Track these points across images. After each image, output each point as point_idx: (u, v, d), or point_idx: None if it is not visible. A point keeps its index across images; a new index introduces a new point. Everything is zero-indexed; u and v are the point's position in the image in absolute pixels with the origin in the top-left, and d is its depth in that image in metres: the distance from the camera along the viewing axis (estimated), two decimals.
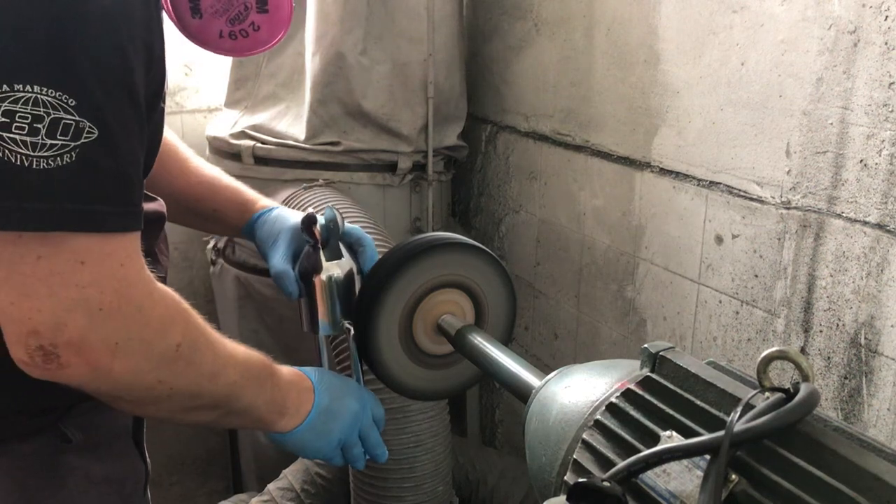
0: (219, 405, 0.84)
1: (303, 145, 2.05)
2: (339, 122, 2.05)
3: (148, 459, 1.07)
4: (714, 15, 1.45)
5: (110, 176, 0.69)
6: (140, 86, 0.72)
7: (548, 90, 1.98)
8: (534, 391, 0.78)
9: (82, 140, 0.67)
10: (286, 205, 1.96)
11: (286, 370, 0.94)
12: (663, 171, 1.63)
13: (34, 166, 0.65)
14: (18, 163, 0.64)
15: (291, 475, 1.94)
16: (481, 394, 2.48)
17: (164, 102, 0.85)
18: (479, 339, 0.95)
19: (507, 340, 1.07)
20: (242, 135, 2.12)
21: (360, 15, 1.96)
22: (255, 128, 2.12)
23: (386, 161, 2.10)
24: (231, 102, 2.23)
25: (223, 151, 2.16)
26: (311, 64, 2.03)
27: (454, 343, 0.99)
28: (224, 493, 2.43)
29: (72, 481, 0.90)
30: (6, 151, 0.64)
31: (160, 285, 0.76)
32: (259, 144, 2.08)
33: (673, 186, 1.60)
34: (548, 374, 0.79)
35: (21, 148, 0.64)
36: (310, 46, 2.03)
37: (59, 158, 0.66)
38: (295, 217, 1.12)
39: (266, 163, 2.09)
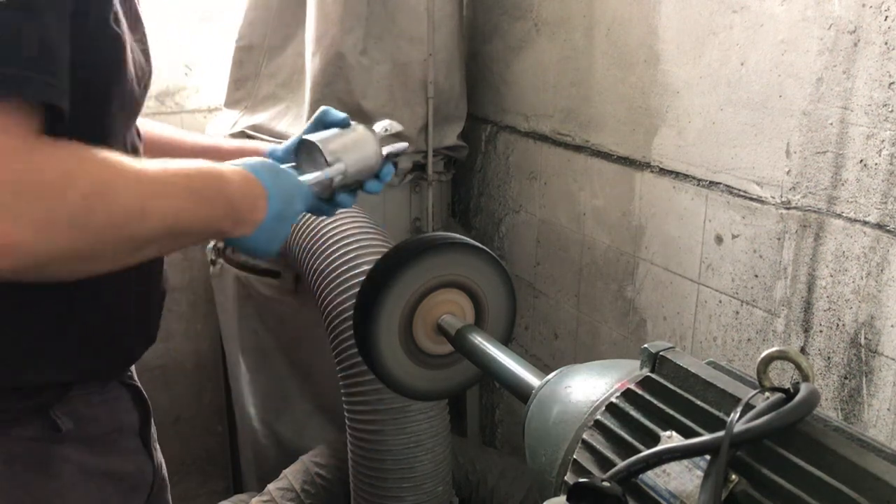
0: (159, 238, 0.77)
1: None
2: None
3: (158, 460, 1.06)
4: (714, 15, 1.45)
5: (30, 39, 0.64)
6: None
7: (548, 90, 1.98)
8: (534, 391, 0.78)
9: None
10: None
11: (235, 177, 0.87)
12: (663, 171, 1.63)
13: None
14: None
15: (291, 475, 1.94)
16: (481, 394, 2.48)
17: (122, 31, 0.81)
18: (479, 338, 0.95)
19: (507, 340, 1.07)
20: (242, 135, 2.12)
21: (360, 15, 1.96)
22: (254, 128, 2.12)
23: None
24: (231, 102, 2.23)
25: None
26: (311, 64, 2.03)
27: (454, 343, 0.99)
28: (224, 493, 2.43)
29: (65, 473, 0.90)
30: None
31: (54, 140, 0.69)
32: None
33: (673, 186, 1.60)
34: (548, 374, 0.79)
35: None
36: (310, 46, 2.03)
37: None
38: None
39: None
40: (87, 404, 0.92)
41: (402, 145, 1.12)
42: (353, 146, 1.05)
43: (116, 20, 0.80)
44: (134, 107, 0.90)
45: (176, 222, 0.78)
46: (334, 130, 1.08)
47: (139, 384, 1.05)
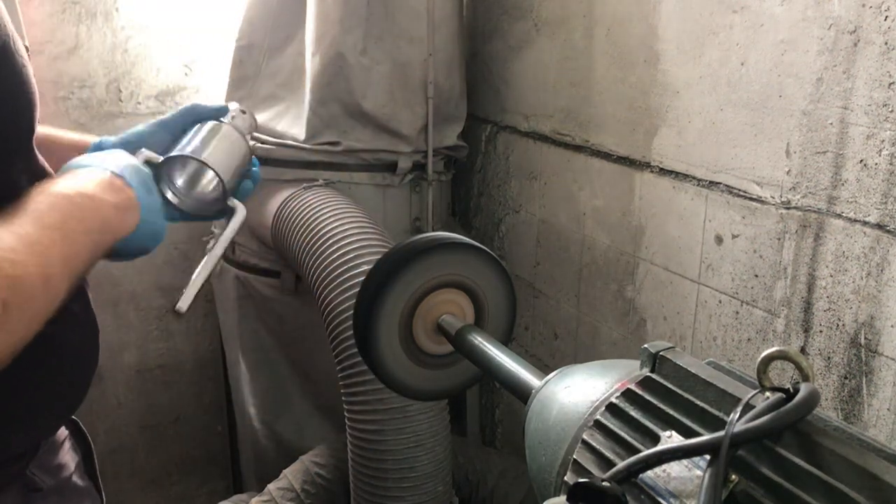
0: (63, 294, 0.73)
1: (303, 145, 2.05)
2: (339, 122, 2.05)
3: (102, 493, 1.03)
4: (714, 15, 1.45)
5: None
6: None
7: (548, 90, 1.98)
8: (534, 391, 0.78)
9: None
10: (286, 204, 1.96)
11: (99, 189, 0.79)
12: (663, 171, 1.63)
13: None
14: None
15: (291, 475, 1.94)
16: (481, 394, 2.48)
17: (24, 56, 0.78)
18: (479, 338, 0.95)
19: (507, 340, 1.07)
20: None
21: (360, 15, 1.96)
22: None
23: (386, 161, 2.10)
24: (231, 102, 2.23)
25: None
26: (311, 64, 2.03)
27: (454, 343, 0.99)
28: (224, 493, 2.43)
29: None
30: None
31: None
32: (259, 144, 2.09)
33: (673, 186, 1.60)
34: (548, 374, 0.79)
35: None
36: (310, 46, 2.03)
37: None
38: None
39: (266, 163, 2.09)
40: (53, 454, 0.89)
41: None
42: (228, 150, 0.95)
43: (16, 47, 0.77)
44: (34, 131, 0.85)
45: (75, 270, 0.74)
46: (198, 136, 0.95)
47: (76, 417, 1.00)
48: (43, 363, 0.82)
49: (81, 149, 1.03)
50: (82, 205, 0.76)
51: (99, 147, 1.01)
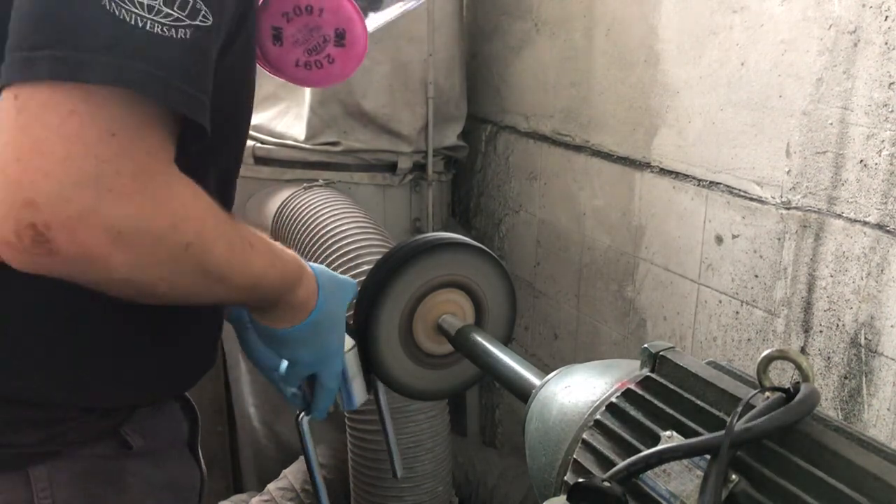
0: (222, 300, 0.84)
1: (303, 145, 2.05)
2: (339, 122, 2.05)
3: (203, 467, 1.06)
4: (714, 15, 1.45)
5: (208, 68, 0.66)
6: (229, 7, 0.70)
7: (548, 90, 1.98)
8: (534, 391, 0.78)
9: (197, 22, 0.64)
10: (286, 204, 1.96)
11: (304, 285, 0.89)
12: (663, 171, 1.63)
13: (147, 28, 0.61)
14: (132, 22, 0.60)
15: (291, 475, 1.94)
16: (481, 394, 2.49)
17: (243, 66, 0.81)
18: (479, 338, 0.95)
19: (507, 340, 1.07)
20: None
21: None
22: (254, 128, 2.12)
23: (386, 161, 2.10)
24: None
25: None
26: None
27: (454, 343, 0.99)
28: (224, 493, 2.43)
29: (134, 487, 0.89)
30: (122, 10, 0.60)
31: (185, 178, 0.68)
32: (259, 144, 2.09)
33: (673, 186, 1.60)
34: (548, 374, 0.79)
35: (137, 9, 0.61)
36: None
37: (174, 30, 0.62)
38: None
39: (266, 163, 2.09)
40: (151, 419, 0.91)
41: None
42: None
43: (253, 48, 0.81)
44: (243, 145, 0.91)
45: (237, 298, 0.82)
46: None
47: (187, 393, 1.04)
48: (157, 340, 0.87)
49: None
50: (282, 293, 0.85)
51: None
